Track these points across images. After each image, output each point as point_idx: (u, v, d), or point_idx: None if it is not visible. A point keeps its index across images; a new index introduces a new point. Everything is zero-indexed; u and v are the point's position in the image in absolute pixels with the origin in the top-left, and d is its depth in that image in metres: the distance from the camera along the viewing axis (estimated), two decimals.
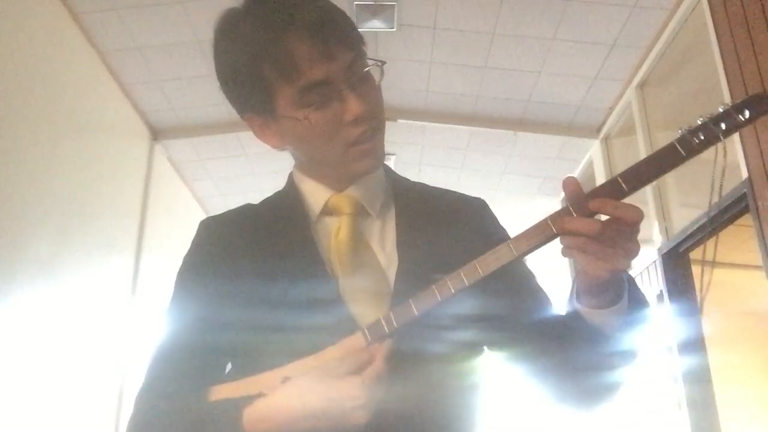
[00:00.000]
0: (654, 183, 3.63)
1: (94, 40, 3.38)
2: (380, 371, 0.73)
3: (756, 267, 2.71)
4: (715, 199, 0.72)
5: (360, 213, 0.91)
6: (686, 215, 3.29)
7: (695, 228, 3.03)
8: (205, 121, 4.06)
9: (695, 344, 3.09)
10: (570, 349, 0.81)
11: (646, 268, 3.56)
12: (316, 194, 0.92)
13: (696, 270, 3.57)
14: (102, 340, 3.44)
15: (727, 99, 2.59)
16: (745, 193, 2.54)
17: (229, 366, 0.88)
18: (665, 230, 3.46)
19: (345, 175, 0.90)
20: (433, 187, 1.02)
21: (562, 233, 0.72)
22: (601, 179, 4.17)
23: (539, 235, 0.73)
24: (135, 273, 3.92)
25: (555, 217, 0.73)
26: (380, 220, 0.92)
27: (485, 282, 0.74)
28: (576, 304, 0.78)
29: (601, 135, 4.26)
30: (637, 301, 0.77)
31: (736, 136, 2.63)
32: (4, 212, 2.61)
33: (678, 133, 0.70)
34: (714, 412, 3.02)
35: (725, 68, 2.73)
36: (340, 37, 0.81)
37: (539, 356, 0.86)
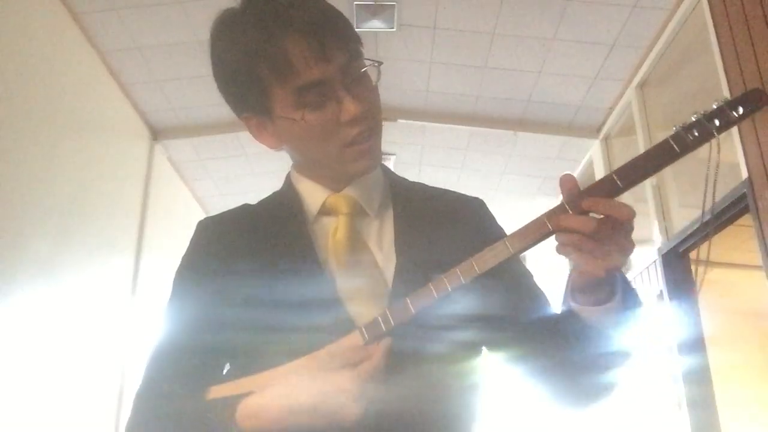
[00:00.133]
0: (654, 182, 3.63)
1: (94, 40, 3.38)
2: (376, 367, 0.73)
3: (756, 267, 2.71)
4: (710, 194, 0.72)
5: (358, 213, 0.91)
6: (686, 215, 3.29)
7: (695, 228, 3.03)
8: (205, 121, 4.06)
9: (695, 344, 3.09)
10: (565, 348, 0.81)
11: (646, 268, 3.56)
12: (313, 194, 0.92)
13: (696, 270, 3.57)
14: (102, 340, 3.45)
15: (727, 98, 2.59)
16: (745, 193, 2.54)
17: (227, 366, 0.88)
18: (665, 230, 3.46)
19: (342, 175, 0.90)
20: (431, 187, 1.02)
21: (558, 230, 0.72)
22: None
23: (535, 232, 0.73)
24: (135, 273, 3.93)
25: (551, 215, 0.73)
26: (378, 220, 0.92)
27: (482, 280, 0.74)
28: (570, 302, 0.78)
29: (601, 135, 4.26)
30: (630, 299, 0.77)
31: (736, 136, 2.63)
32: (4, 212, 2.61)
33: (672, 130, 0.70)
34: (714, 412, 3.02)
35: (725, 68, 2.73)
36: (337, 37, 0.81)
37: (536, 356, 0.86)
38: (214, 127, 4.08)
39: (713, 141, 0.70)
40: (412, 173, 4.72)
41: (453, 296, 0.74)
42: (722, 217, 2.75)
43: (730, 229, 2.88)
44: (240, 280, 0.85)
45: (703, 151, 0.72)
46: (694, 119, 0.70)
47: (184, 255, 0.92)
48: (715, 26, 2.84)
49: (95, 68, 3.49)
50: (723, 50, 2.76)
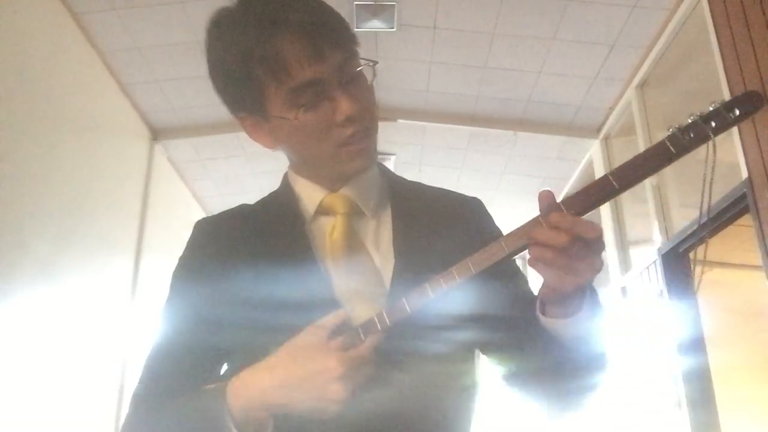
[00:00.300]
0: (654, 182, 3.63)
1: (94, 40, 3.38)
2: (365, 353, 0.73)
3: (756, 267, 2.71)
4: (707, 196, 0.72)
5: (355, 213, 0.91)
6: (686, 215, 3.29)
7: (695, 228, 3.03)
8: (205, 121, 4.06)
9: (695, 344, 3.09)
10: (539, 354, 0.82)
11: (646, 268, 3.56)
12: (310, 194, 0.92)
13: (696, 269, 3.57)
14: (102, 340, 3.45)
15: (727, 99, 2.59)
16: (745, 193, 2.54)
17: (225, 366, 0.88)
18: (665, 230, 3.46)
19: (338, 175, 0.90)
20: (429, 187, 1.02)
21: (531, 244, 0.72)
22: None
23: (531, 232, 0.73)
24: (135, 273, 3.93)
25: (532, 224, 0.72)
26: (375, 219, 0.92)
27: (479, 281, 0.74)
28: (537, 312, 0.79)
29: (601, 135, 4.26)
30: (596, 309, 0.77)
31: (736, 137, 2.63)
32: (4, 212, 2.61)
33: (669, 132, 0.70)
34: (714, 412, 3.02)
35: (725, 68, 2.73)
36: (331, 37, 0.81)
37: (520, 360, 0.86)
38: (214, 127, 4.08)
39: (710, 143, 0.70)
40: (412, 173, 4.72)
41: (449, 296, 0.74)
42: (722, 217, 2.75)
43: (730, 229, 2.88)
44: (237, 280, 0.85)
45: (703, 151, 0.72)
46: (690, 121, 0.70)
47: (182, 255, 0.92)
48: (715, 26, 2.84)
49: (95, 68, 3.49)
50: (723, 50, 2.76)
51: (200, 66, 0.89)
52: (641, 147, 3.63)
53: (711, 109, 0.70)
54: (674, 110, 3.47)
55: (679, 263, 3.29)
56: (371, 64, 0.86)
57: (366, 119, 0.85)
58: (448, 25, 3.42)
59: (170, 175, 4.60)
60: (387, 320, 0.75)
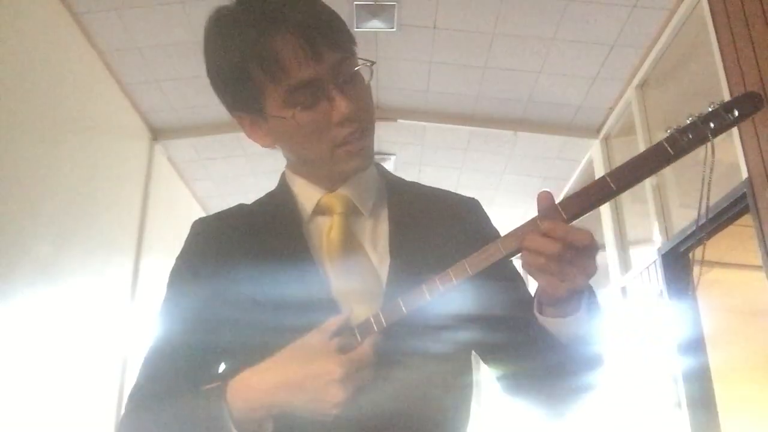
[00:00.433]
0: (654, 183, 3.62)
1: (94, 40, 3.38)
2: (364, 355, 0.73)
3: (756, 267, 2.71)
4: (705, 197, 0.72)
5: (352, 212, 0.91)
6: (686, 215, 3.29)
7: (695, 228, 3.03)
8: (205, 121, 4.06)
9: (695, 344, 3.09)
10: (536, 355, 0.82)
11: (646, 268, 3.56)
12: (307, 194, 0.92)
13: (696, 270, 3.58)
14: (102, 340, 3.45)
15: (727, 99, 2.59)
16: (745, 193, 2.54)
17: (222, 366, 0.88)
18: (665, 230, 3.46)
19: (335, 174, 0.90)
20: (427, 186, 1.02)
21: (523, 250, 0.72)
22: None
23: (527, 234, 0.73)
24: (135, 273, 3.93)
25: (543, 217, 0.73)
26: (372, 219, 0.92)
27: (475, 282, 0.74)
28: (535, 312, 0.79)
29: (601, 135, 4.26)
30: (594, 309, 0.78)
31: (736, 137, 2.63)
32: (4, 212, 2.61)
33: (667, 133, 0.70)
34: (714, 412, 3.02)
35: (725, 68, 2.73)
36: (328, 37, 0.81)
37: (515, 362, 0.87)
38: (214, 127, 4.08)
39: (708, 144, 0.70)
40: (412, 173, 4.74)
41: (446, 297, 0.75)
42: (722, 217, 2.75)
43: (730, 229, 2.88)
44: (234, 279, 0.86)
45: (703, 151, 0.71)
46: (689, 122, 0.70)
47: (179, 255, 0.92)
48: (715, 26, 2.84)
49: (95, 68, 3.49)
50: (723, 50, 2.76)
51: (200, 66, 0.89)
52: (641, 147, 3.63)
53: (710, 110, 0.70)
54: (674, 110, 3.47)
55: (679, 263, 3.28)
56: (369, 64, 0.86)
57: (363, 119, 0.85)
58: (448, 25, 3.42)
59: (170, 175, 4.60)
60: (383, 321, 0.75)
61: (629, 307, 3.80)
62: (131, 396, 0.84)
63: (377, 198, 0.94)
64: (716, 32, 2.82)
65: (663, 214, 3.52)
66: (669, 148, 0.70)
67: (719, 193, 2.71)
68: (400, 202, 0.95)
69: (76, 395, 3.15)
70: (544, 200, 0.73)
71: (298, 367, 0.73)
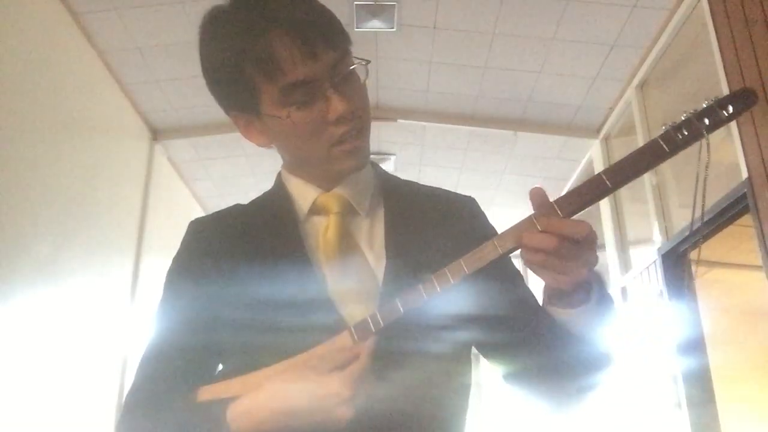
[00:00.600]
0: (654, 182, 3.61)
1: (94, 40, 3.38)
2: (364, 368, 0.73)
3: (756, 267, 2.71)
4: (700, 195, 0.72)
5: (348, 212, 0.91)
6: (686, 215, 3.29)
7: (700, 224, 3.03)
8: (205, 121, 4.06)
9: (695, 344, 3.09)
10: (545, 350, 0.82)
11: (646, 268, 3.56)
12: (303, 193, 0.92)
13: (695, 270, 3.57)
14: (102, 341, 3.45)
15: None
16: (745, 193, 2.54)
17: (220, 366, 0.88)
18: (665, 230, 3.46)
19: (331, 174, 0.90)
20: (423, 186, 1.02)
21: (521, 248, 0.72)
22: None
23: (524, 232, 0.73)
24: (135, 273, 3.93)
25: (539, 215, 0.73)
26: (369, 218, 0.92)
27: (473, 281, 0.74)
28: (546, 306, 0.79)
29: (601, 135, 4.26)
30: (604, 300, 0.78)
31: (736, 136, 2.63)
32: (4, 212, 2.61)
33: (662, 129, 0.70)
34: (714, 412, 3.02)
35: (725, 68, 2.73)
36: (324, 36, 0.81)
37: (522, 358, 0.86)
38: (214, 127, 4.08)
39: (703, 140, 0.69)
40: (412, 173, 4.73)
41: (443, 297, 0.74)
42: (722, 217, 2.75)
43: (730, 229, 2.88)
44: (231, 280, 0.86)
45: (703, 150, 0.71)
46: (683, 118, 0.70)
47: (176, 255, 0.92)
48: (715, 26, 2.84)
49: (95, 68, 3.49)
50: (723, 50, 2.76)
51: (200, 66, 0.89)
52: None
53: (704, 106, 0.70)
54: (674, 110, 3.47)
55: (678, 263, 3.28)
56: (364, 63, 0.86)
57: (359, 118, 0.85)
58: (448, 25, 3.42)
59: (170, 175, 4.60)
60: (380, 321, 0.75)
61: (629, 308, 3.80)
62: (128, 398, 0.83)
63: (373, 197, 0.94)
64: (716, 32, 2.82)
65: (663, 214, 3.52)
66: (664, 145, 0.70)
67: (719, 193, 2.70)
68: (397, 202, 0.94)
69: (76, 395, 3.15)
70: (537, 196, 0.73)
71: (302, 391, 0.72)
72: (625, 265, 4.01)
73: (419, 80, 3.91)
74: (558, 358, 0.81)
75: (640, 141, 3.66)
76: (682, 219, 3.33)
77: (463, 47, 3.57)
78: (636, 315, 3.67)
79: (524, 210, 0.71)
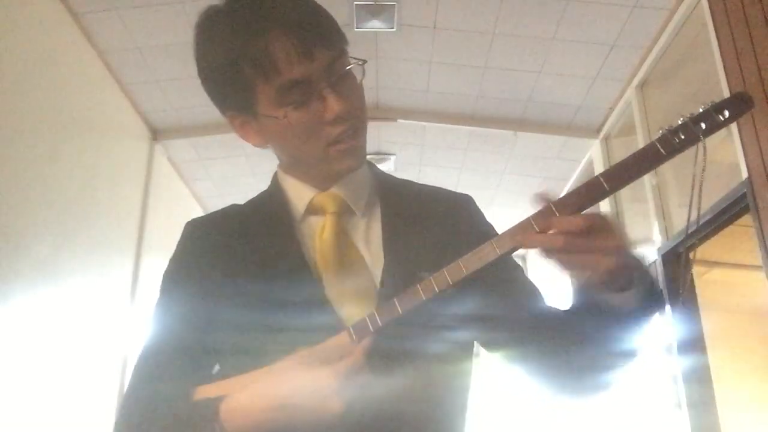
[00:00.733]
0: (654, 182, 3.61)
1: (94, 40, 3.38)
2: (357, 364, 0.72)
3: (756, 267, 2.71)
4: (696, 198, 0.72)
5: (345, 212, 0.91)
6: (686, 215, 3.28)
7: (695, 228, 3.03)
8: (205, 121, 4.06)
9: (695, 344, 3.09)
10: (572, 336, 0.81)
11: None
12: (299, 193, 0.92)
13: (696, 270, 3.57)
14: (102, 341, 3.44)
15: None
16: (745, 193, 2.54)
17: (217, 367, 0.88)
18: (665, 230, 3.46)
19: (327, 173, 0.90)
20: (420, 185, 1.02)
21: (530, 248, 0.72)
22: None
23: (523, 233, 0.73)
24: (135, 273, 3.93)
25: (537, 215, 0.73)
26: (365, 218, 0.92)
27: (473, 281, 0.74)
28: (589, 293, 0.77)
29: (601, 135, 4.26)
30: (648, 289, 0.76)
31: (736, 137, 2.63)
32: (4, 212, 2.61)
33: (658, 133, 0.71)
34: (714, 412, 3.02)
35: (725, 68, 2.73)
36: (320, 35, 0.81)
37: (538, 351, 0.86)
38: (214, 127, 4.08)
39: (699, 144, 0.70)
40: (412, 173, 4.73)
41: (442, 297, 0.74)
42: (722, 217, 2.75)
43: (730, 229, 2.88)
44: (228, 280, 0.85)
45: (685, 150, 0.72)
46: (680, 122, 0.70)
47: (172, 257, 0.92)
48: (715, 26, 2.84)
49: (95, 68, 3.49)
50: (723, 50, 2.76)
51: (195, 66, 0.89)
52: (641, 147, 3.62)
53: (701, 110, 0.70)
54: (674, 110, 3.47)
55: (678, 263, 3.28)
56: (360, 62, 0.86)
57: (355, 118, 0.85)
58: (448, 25, 3.42)
59: (170, 175, 4.60)
60: (378, 321, 0.75)
61: None
62: (125, 399, 0.84)
63: (370, 197, 0.94)
64: (716, 32, 2.82)
65: (663, 214, 3.52)
66: (661, 149, 0.70)
67: (719, 193, 2.70)
68: (393, 201, 0.94)
69: (76, 395, 3.15)
70: (539, 198, 0.73)
71: (292, 385, 0.72)
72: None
73: (419, 80, 3.91)
74: (587, 346, 0.80)
75: (640, 141, 3.66)
76: (682, 219, 3.32)
77: (463, 47, 3.56)
78: None
79: (524, 210, 0.71)
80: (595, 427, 3.67)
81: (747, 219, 2.59)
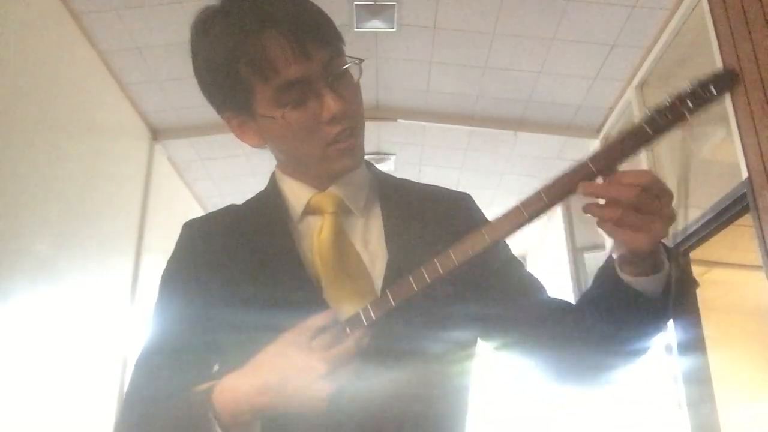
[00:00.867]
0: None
1: (94, 40, 3.38)
2: (349, 350, 0.72)
3: (756, 267, 2.71)
4: (684, 190, 0.71)
5: (343, 212, 0.91)
6: (686, 215, 3.29)
7: (695, 228, 3.03)
8: (205, 121, 4.05)
9: (695, 344, 3.09)
10: (581, 328, 0.80)
11: None
12: (297, 193, 0.92)
13: (696, 270, 3.57)
14: (102, 341, 3.44)
15: (727, 99, 2.59)
16: (745, 193, 2.54)
17: (217, 367, 0.88)
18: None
19: (325, 173, 0.90)
20: (418, 184, 1.02)
21: (605, 203, 0.70)
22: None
23: (512, 221, 0.73)
24: (135, 273, 3.93)
25: (527, 203, 0.73)
26: (364, 218, 0.92)
27: (469, 272, 0.74)
28: (617, 273, 0.77)
29: (601, 135, 4.26)
30: (679, 273, 0.76)
31: (736, 136, 2.62)
32: (4, 212, 2.61)
33: (645, 113, 0.70)
34: (714, 412, 3.02)
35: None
36: (317, 35, 0.81)
37: (542, 341, 0.86)
38: (214, 127, 4.07)
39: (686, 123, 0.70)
40: (412, 173, 4.73)
41: (438, 289, 0.74)
42: (722, 217, 2.75)
43: (730, 229, 2.88)
44: (226, 281, 0.86)
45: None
46: (667, 102, 0.70)
47: (170, 258, 0.92)
48: (715, 26, 2.84)
49: (95, 68, 3.49)
50: (723, 50, 2.76)
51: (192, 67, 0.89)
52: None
53: (686, 88, 0.70)
54: None
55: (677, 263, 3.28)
56: (357, 62, 0.86)
57: (353, 117, 0.85)
58: (448, 25, 3.42)
59: (170, 175, 4.60)
60: (372, 314, 0.74)
61: None
62: (126, 399, 0.84)
63: (368, 197, 0.94)
64: (716, 32, 2.82)
65: None
66: (648, 129, 0.70)
67: (719, 193, 2.70)
68: (392, 201, 0.94)
69: (76, 395, 3.15)
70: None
71: (280, 367, 0.72)
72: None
73: (419, 80, 3.91)
74: (584, 343, 0.80)
75: None
76: (682, 219, 3.33)
77: (463, 47, 3.56)
78: None
79: None
80: (596, 427, 3.66)
81: (747, 219, 2.59)
